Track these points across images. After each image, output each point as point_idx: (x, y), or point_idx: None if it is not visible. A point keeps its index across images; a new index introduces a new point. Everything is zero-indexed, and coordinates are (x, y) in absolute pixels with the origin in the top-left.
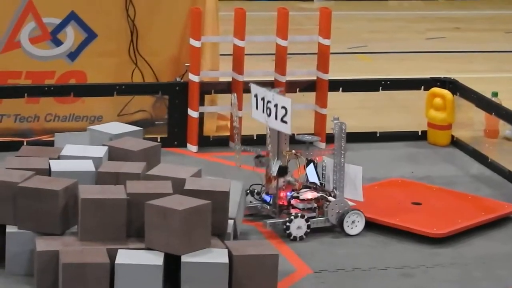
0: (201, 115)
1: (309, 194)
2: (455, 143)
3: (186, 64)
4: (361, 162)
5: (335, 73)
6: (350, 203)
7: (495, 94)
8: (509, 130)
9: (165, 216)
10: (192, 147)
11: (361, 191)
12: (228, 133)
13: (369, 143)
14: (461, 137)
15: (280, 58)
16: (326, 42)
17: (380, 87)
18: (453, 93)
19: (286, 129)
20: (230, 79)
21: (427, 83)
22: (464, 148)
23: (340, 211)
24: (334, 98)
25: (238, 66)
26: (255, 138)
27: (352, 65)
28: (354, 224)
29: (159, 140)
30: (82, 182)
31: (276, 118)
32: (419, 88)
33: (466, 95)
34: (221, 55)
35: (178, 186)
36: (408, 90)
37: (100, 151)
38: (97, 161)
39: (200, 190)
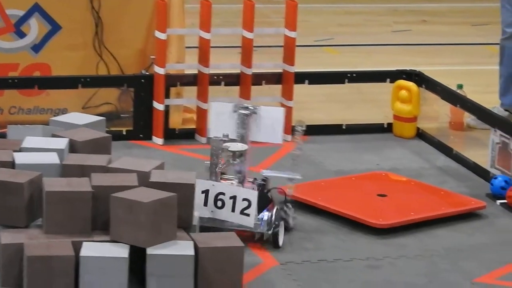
0: (167, 107)
1: None
2: (421, 135)
3: (151, 57)
4: (327, 155)
5: (301, 66)
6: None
7: (460, 87)
8: (471, 118)
9: (131, 209)
10: (158, 140)
11: (281, 133)
12: (194, 126)
13: (335, 135)
14: (426, 129)
15: (246, 50)
16: (292, 34)
17: (346, 80)
18: (419, 85)
19: (248, 222)
20: (196, 72)
21: (393, 76)
22: (430, 140)
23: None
24: (302, 91)
25: (204, 59)
26: None
27: (319, 58)
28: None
29: (124, 133)
30: (46, 174)
31: (233, 210)
32: (384, 81)
33: (431, 87)
34: (187, 47)
35: (143, 178)
36: (374, 82)
37: (62, 143)
38: (60, 153)
39: (166, 182)
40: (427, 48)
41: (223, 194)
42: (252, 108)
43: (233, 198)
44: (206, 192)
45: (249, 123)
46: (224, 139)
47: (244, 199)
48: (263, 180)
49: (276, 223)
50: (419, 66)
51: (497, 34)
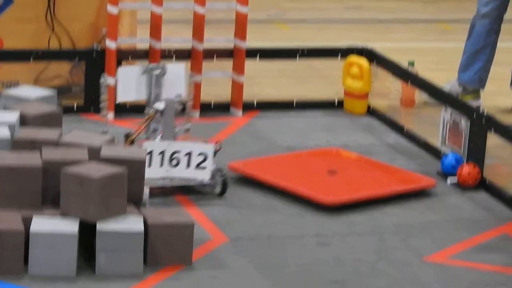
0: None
1: None
2: (372, 112)
3: (103, 29)
4: (278, 131)
5: (253, 42)
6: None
7: (411, 63)
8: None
9: (81, 184)
10: (109, 114)
11: (184, 87)
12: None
13: (286, 111)
14: (377, 106)
15: (198, 25)
16: (244, 9)
17: (298, 55)
18: (370, 61)
19: (204, 175)
20: (148, 46)
21: (344, 52)
22: (381, 117)
23: None
24: (253, 66)
25: (155, 33)
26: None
27: (271, 34)
28: None
29: (75, 107)
30: None
31: (188, 166)
32: (336, 57)
33: (382, 64)
34: (138, 22)
35: (93, 153)
36: (325, 58)
37: (13, 116)
38: (10, 127)
39: (116, 157)
40: (378, 24)
41: (178, 152)
42: (162, 67)
43: (189, 154)
44: (162, 152)
45: (162, 82)
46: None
47: (200, 154)
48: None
49: None
50: (370, 42)
51: (449, 11)
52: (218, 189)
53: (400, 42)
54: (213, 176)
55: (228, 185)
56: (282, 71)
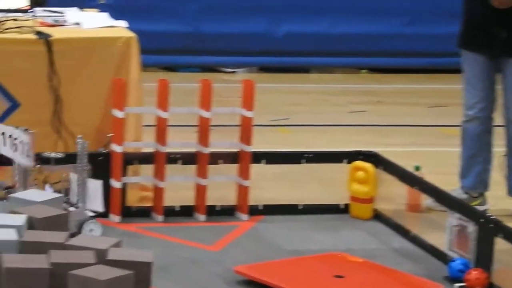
0: (124, 185)
1: None
2: (378, 216)
3: (108, 135)
4: (283, 235)
5: (257, 145)
6: (90, 214)
7: (417, 168)
8: (430, 200)
9: (88, 286)
10: (115, 218)
11: (101, 202)
12: (151, 204)
13: (290, 215)
14: (383, 210)
15: (203, 129)
16: (248, 114)
17: (303, 160)
18: (376, 166)
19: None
20: (153, 150)
21: (350, 156)
22: (386, 222)
23: (80, 219)
24: (256, 169)
25: (161, 137)
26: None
27: (274, 138)
28: (92, 231)
29: None
30: (5, 251)
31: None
32: (341, 161)
33: (388, 168)
34: (144, 125)
35: (100, 256)
36: (331, 163)
37: (20, 219)
38: (19, 229)
39: (123, 260)
40: (382, 128)
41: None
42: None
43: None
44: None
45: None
46: None
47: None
48: None
49: None
50: (373, 147)
51: (452, 115)
52: None
53: (404, 146)
54: None
55: None
56: (285, 174)
